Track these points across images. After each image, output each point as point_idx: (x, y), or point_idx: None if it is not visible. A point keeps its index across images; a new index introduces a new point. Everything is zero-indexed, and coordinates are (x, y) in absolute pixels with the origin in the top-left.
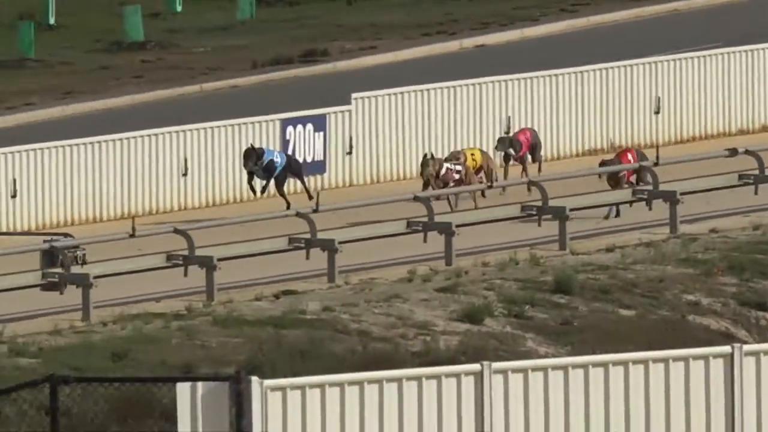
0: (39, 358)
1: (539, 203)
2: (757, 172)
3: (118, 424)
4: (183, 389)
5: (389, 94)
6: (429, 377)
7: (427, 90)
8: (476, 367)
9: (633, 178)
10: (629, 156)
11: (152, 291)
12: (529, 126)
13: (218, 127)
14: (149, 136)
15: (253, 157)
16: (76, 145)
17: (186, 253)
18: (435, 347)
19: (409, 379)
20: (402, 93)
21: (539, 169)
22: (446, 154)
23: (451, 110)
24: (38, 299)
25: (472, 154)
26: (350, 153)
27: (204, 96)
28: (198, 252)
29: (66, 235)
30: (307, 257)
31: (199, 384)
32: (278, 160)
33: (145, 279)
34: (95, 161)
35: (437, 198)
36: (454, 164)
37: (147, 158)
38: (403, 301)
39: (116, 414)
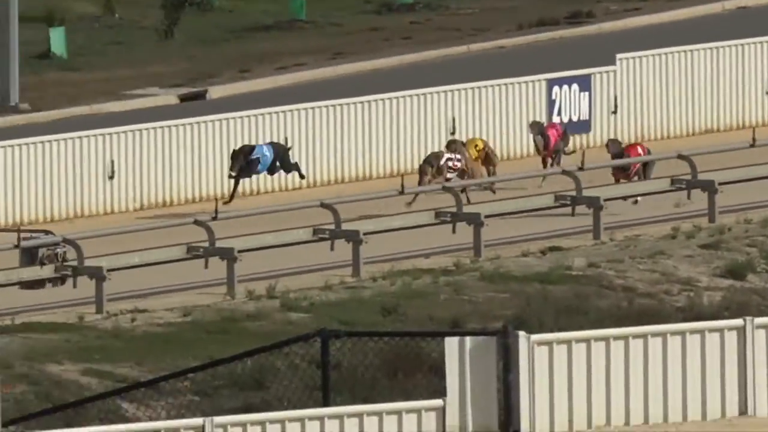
0: (310, 312)
1: None
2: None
3: (388, 378)
4: (451, 344)
5: (653, 55)
6: (692, 332)
7: (690, 51)
8: (739, 322)
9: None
10: (639, 149)
11: (421, 247)
12: None
13: (485, 87)
14: (417, 95)
15: (240, 159)
16: (347, 104)
17: (454, 210)
18: (698, 303)
19: (673, 333)
20: (666, 54)
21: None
22: (717, 116)
23: (714, 71)
24: (309, 255)
25: (476, 145)
26: (615, 112)
27: (471, 57)
28: (465, 209)
29: (46, 232)
30: (573, 214)
31: (467, 339)
32: (268, 154)
33: (415, 235)
34: (365, 120)
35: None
36: (454, 156)
37: (415, 117)
38: (667, 258)
39: (386, 368)
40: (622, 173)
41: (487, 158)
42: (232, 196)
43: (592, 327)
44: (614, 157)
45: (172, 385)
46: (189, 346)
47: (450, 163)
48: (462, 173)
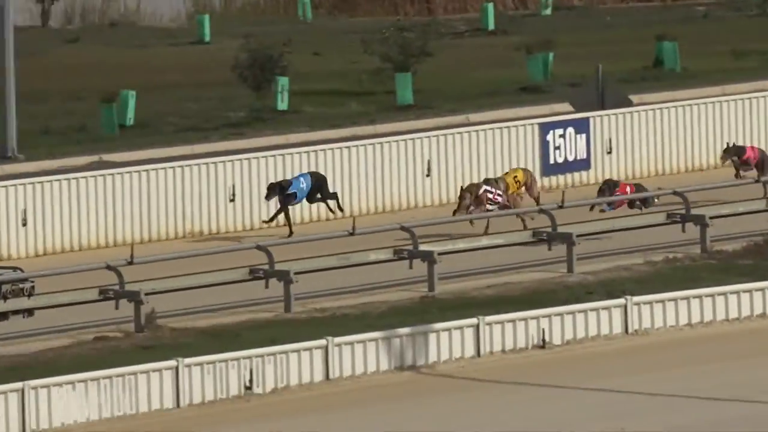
0: None
1: None
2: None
3: None
4: None
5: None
6: None
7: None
8: None
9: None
10: (627, 189)
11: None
12: None
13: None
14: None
15: (276, 190)
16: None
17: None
18: None
19: None
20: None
21: None
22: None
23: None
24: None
25: (515, 176)
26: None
27: None
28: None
29: (15, 268)
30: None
31: None
32: (304, 186)
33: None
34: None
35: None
36: (494, 188)
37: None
38: None
39: None
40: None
41: (528, 188)
42: (289, 227)
43: None
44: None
45: None
46: None
47: (489, 195)
48: (504, 207)
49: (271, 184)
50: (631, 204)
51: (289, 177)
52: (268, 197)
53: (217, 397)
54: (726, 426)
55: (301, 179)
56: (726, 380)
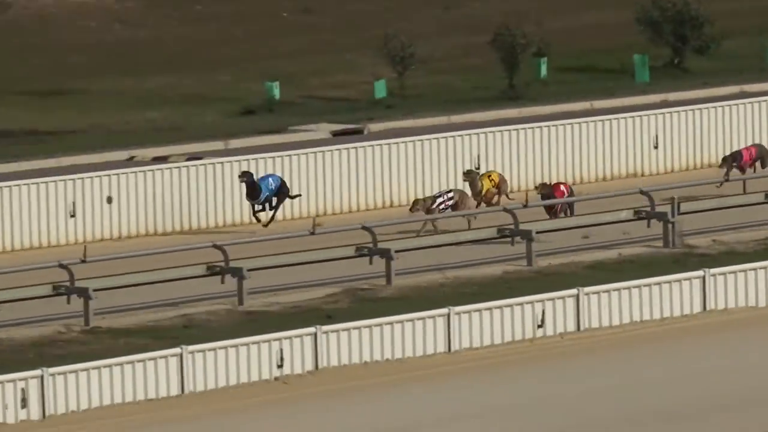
0: None
1: None
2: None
3: None
4: None
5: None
6: None
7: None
8: None
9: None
10: (562, 188)
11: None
12: None
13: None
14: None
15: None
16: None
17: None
18: None
19: None
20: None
21: None
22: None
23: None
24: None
25: (489, 176)
26: None
27: None
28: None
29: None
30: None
31: None
32: (272, 186)
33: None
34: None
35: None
36: (447, 195)
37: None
38: None
39: None
40: (549, 210)
41: (499, 189)
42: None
43: None
44: (544, 197)
45: None
46: None
47: (442, 206)
48: (455, 207)
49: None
50: (551, 210)
51: None
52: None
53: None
54: None
55: (270, 180)
56: None
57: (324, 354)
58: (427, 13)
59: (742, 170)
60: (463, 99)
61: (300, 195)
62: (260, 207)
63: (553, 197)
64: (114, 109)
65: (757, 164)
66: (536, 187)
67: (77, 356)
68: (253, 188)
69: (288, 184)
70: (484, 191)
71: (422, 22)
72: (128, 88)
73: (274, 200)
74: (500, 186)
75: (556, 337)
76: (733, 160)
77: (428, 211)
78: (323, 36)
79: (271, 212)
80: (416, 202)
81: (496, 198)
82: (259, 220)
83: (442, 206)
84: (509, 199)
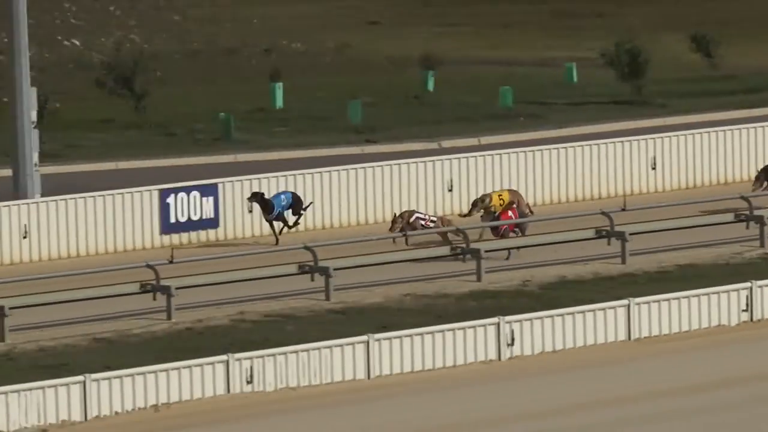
0: None
1: None
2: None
3: None
4: None
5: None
6: None
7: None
8: None
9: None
10: (509, 213)
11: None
12: None
13: None
14: None
15: (269, 208)
16: None
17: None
18: None
19: None
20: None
21: None
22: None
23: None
24: None
25: (500, 195)
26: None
27: None
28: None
29: None
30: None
31: None
32: (284, 203)
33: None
34: None
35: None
36: (428, 217)
37: None
38: None
39: None
40: (495, 232)
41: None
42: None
43: None
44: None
45: None
46: None
47: (422, 222)
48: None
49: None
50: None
51: None
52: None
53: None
54: None
55: (282, 197)
56: None
57: None
58: None
59: None
60: None
61: (312, 203)
62: (277, 223)
63: (497, 219)
64: None
65: None
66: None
67: None
68: (265, 206)
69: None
70: (497, 213)
71: None
72: None
73: (287, 214)
74: (519, 202)
75: None
76: (766, 177)
77: (409, 225)
78: None
79: (285, 226)
80: (396, 219)
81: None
82: (277, 235)
83: (423, 222)
84: (530, 212)
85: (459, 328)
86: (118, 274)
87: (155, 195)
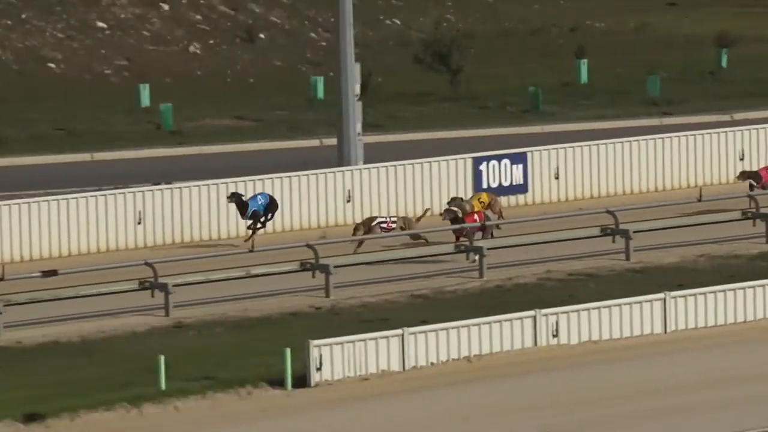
0: None
1: None
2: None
3: None
4: None
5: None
6: None
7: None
8: None
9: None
10: (475, 216)
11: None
12: None
13: None
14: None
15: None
16: None
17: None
18: None
19: None
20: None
21: None
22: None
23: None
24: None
25: (479, 198)
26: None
27: None
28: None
29: None
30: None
31: None
32: (261, 202)
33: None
34: None
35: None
36: (389, 219)
37: None
38: None
39: None
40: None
41: (491, 208)
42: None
43: None
44: (452, 222)
45: None
46: None
47: (383, 225)
48: (401, 230)
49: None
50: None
51: None
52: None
53: None
54: None
55: (259, 197)
56: None
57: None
58: None
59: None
60: None
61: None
62: (251, 223)
63: (461, 221)
64: None
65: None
66: (441, 214)
67: None
68: (242, 206)
69: None
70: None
71: None
72: None
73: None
74: (491, 206)
75: None
76: (749, 177)
77: (369, 230)
78: None
79: (256, 225)
80: (357, 227)
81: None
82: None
83: (383, 225)
84: (502, 217)
85: (749, 287)
86: (433, 236)
87: (469, 162)
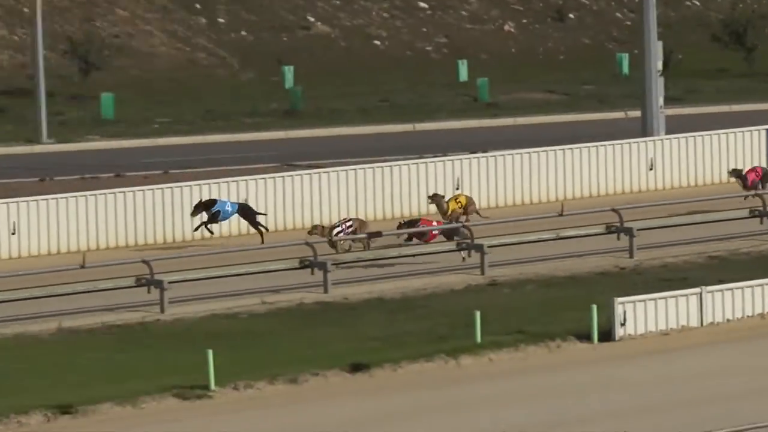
0: None
1: None
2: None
3: None
4: None
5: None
6: None
7: None
8: None
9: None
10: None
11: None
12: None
13: None
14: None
15: (200, 208)
16: None
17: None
18: None
19: None
20: None
21: None
22: None
23: None
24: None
25: (457, 198)
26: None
27: None
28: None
29: None
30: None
31: None
32: (229, 209)
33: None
34: None
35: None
36: (346, 223)
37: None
38: None
39: None
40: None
41: (466, 209)
42: (197, 228)
43: None
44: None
45: None
46: None
47: (342, 234)
48: (354, 232)
49: (199, 202)
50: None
51: None
52: (193, 213)
53: None
54: None
55: (228, 204)
56: None
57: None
58: None
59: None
60: None
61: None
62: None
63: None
64: None
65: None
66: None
67: None
68: (211, 214)
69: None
70: (449, 211)
71: None
72: None
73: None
74: (467, 207)
75: None
76: (738, 177)
77: (330, 241)
78: None
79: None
80: (315, 227)
81: (463, 217)
82: (211, 232)
83: (341, 234)
84: (481, 216)
85: None
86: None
87: (763, 134)
